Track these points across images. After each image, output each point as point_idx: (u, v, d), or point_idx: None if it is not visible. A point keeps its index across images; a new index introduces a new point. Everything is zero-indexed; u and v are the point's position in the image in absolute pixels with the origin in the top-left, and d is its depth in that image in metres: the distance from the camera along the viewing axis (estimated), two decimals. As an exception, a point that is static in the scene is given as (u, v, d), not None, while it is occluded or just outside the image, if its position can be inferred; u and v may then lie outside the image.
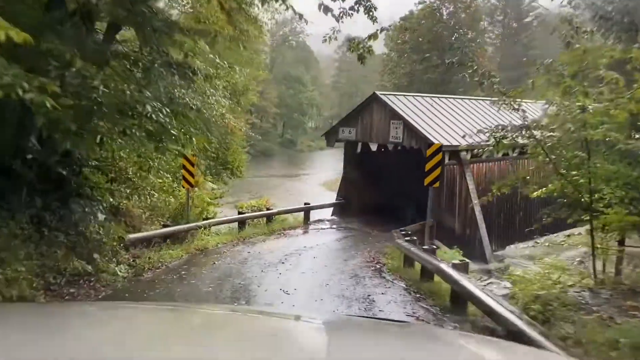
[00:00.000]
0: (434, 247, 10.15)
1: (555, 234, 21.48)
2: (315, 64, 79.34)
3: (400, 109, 16.76)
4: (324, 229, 17.33)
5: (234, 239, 14.31)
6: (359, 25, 9.62)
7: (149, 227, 12.16)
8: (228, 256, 11.75)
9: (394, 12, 60.90)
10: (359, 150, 19.55)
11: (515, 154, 19.67)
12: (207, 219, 13.95)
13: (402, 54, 54.69)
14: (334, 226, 17.71)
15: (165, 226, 12.33)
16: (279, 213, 17.21)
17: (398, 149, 19.22)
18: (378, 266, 11.23)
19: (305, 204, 18.09)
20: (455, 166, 16.52)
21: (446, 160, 16.36)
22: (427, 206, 16.46)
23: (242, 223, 15.40)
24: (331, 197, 40.43)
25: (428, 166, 10.54)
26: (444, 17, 53.39)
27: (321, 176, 50.56)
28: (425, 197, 17.48)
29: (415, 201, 18.11)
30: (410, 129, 16.29)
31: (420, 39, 52.24)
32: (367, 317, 5.33)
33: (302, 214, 18.23)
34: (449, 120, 17.50)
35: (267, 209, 17.30)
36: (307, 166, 59.66)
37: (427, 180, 10.72)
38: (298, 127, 69.58)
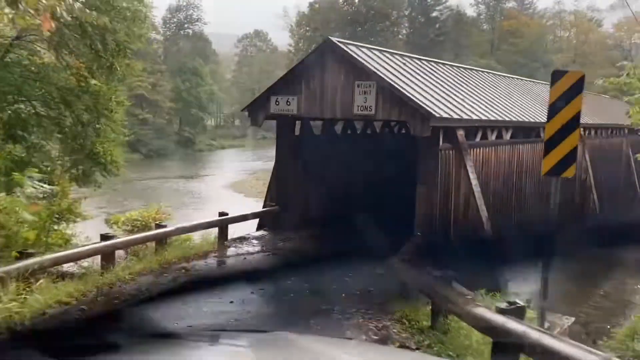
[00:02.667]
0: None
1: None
2: (214, 57, 71.25)
3: (372, 65, 10.46)
4: (252, 254, 10.55)
5: (89, 291, 7.19)
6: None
7: None
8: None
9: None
10: (298, 132, 13.01)
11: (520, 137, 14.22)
12: (25, 255, 6.62)
13: (311, 43, 48.99)
14: (267, 249, 10.97)
15: None
16: (177, 232, 10.15)
17: (359, 127, 12.99)
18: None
19: (220, 214, 11.17)
20: (451, 152, 10.58)
21: (440, 144, 10.42)
22: (415, 213, 10.46)
23: (108, 256, 8.19)
24: (242, 201, 33.47)
25: (551, 128, 4.21)
26: (356, 3, 48.48)
27: (227, 177, 43.24)
28: (406, 200, 11.48)
29: (391, 205, 12.04)
30: (389, 94, 10.04)
31: (332, 26, 46.71)
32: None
33: (214, 230, 11.37)
34: (441, 89, 11.57)
35: (158, 225, 10.20)
36: (209, 166, 51.82)
37: (547, 164, 4.43)
38: (197, 124, 61.17)
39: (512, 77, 19.59)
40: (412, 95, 9.85)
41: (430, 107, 9.67)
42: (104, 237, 8.32)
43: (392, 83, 9.98)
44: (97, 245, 8.16)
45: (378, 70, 10.32)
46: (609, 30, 54.35)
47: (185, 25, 64.64)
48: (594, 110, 22.72)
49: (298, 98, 11.34)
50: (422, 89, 10.64)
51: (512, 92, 15.92)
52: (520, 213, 13.32)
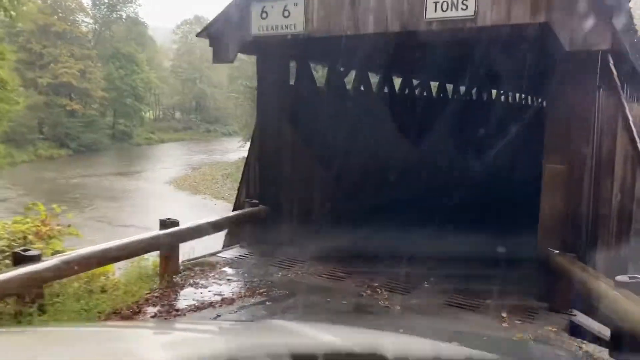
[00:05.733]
0: None
1: None
2: (152, 43, 63.67)
3: None
4: (231, 304, 4.99)
5: None
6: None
7: None
8: None
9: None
10: (293, 80, 7.51)
11: None
12: None
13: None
14: (258, 289, 5.41)
15: None
16: (63, 272, 4.42)
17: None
18: None
19: (163, 223, 5.53)
20: (610, 99, 5.50)
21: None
22: (540, 213, 5.32)
23: None
24: (187, 200, 27.17)
25: None
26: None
27: (167, 173, 36.71)
28: (498, 190, 6.36)
29: (465, 199, 6.92)
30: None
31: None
32: None
33: (150, 254, 5.74)
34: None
35: (19, 256, 4.41)
36: (148, 162, 44.86)
37: None
38: (133, 116, 53.69)
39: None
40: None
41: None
42: None
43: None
44: None
45: None
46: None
47: (118, 7, 56.73)
48: None
49: (305, 2, 5.88)
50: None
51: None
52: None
